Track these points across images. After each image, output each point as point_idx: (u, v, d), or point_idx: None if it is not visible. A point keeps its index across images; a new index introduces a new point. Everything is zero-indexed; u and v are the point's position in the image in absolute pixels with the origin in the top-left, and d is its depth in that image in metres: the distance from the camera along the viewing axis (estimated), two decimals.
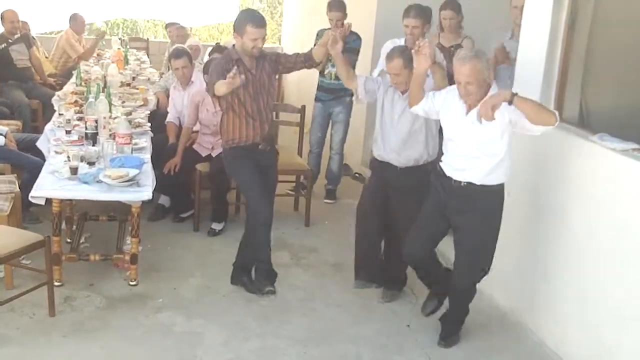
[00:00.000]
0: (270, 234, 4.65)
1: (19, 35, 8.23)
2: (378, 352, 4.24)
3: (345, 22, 6.21)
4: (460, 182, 3.96)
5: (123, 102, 6.64)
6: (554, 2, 4.34)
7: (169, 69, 7.35)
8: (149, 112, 6.51)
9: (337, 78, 6.53)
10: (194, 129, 6.14)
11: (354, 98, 4.90)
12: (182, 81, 6.36)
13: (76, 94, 6.88)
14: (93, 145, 5.12)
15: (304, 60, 4.60)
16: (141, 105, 6.63)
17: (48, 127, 5.85)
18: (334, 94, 6.66)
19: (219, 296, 4.79)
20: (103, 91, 6.07)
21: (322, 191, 6.99)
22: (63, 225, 5.22)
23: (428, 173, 4.31)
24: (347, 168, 7.68)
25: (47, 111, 7.39)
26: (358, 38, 6.43)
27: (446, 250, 4.82)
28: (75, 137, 5.38)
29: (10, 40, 8.09)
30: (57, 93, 7.19)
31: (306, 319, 4.57)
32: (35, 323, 4.26)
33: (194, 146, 6.10)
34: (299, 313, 4.63)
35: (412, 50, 4.10)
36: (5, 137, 5.62)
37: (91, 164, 4.78)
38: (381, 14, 7.33)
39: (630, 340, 3.68)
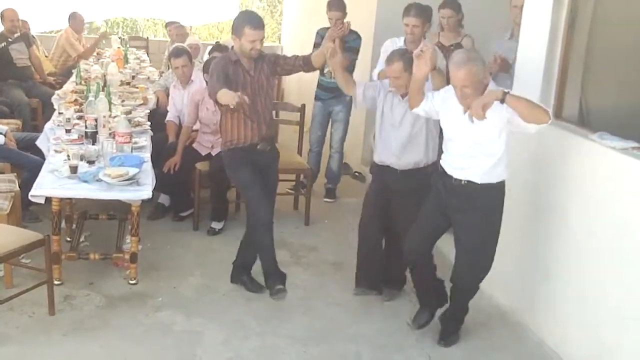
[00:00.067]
0: (273, 235, 4.61)
1: (18, 34, 8.23)
2: (378, 351, 4.24)
3: (345, 21, 6.22)
4: (460, 180, 3.95)
5: (123, 101, 6.64)
6: (553, 1, 4.34)
7: (168, 68, 7.35)
8: (149, 111, 6.51)
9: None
10: (194, 127, 6.14)
11: (352, 106, 4.89)
12: (182, 80, 6.36)
13: (76, 92, 6.88)
14: (93, 144, 5.12)
15: (303, 65, 4.59)
16: (141, 104, 6.63)
17: (48, 126, 5.85)
18: (333, 93, 6.66)
19: (218, 295, 4.79)
20: (103, 90, 6.06)
21: (322, 190, 6.99)
22: (63, 224, 5.21)
23: (428, 176, 4.31)
24: (347, 167, 7.68)
25: (47, 110, 7.39)
26: (358, 37, 6.43)
27: (445, 247, 4.82)
28: (75, 136, 5.38)
29: (10, 39, 8.09)
30: (56, 92, 7.19)
31: (306, 317, 4.57)
32: (35, 322, 4.26)
33: (194, 145, 6.10)
34: (299, 312, 4.63)
35: (414, 53, 4.09)
36: (5, 136, 5.62)
37: (91, 162, 4.78)
38: (381, 13, 7.33)
39: (630, 340, 3.67)
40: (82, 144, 5.16)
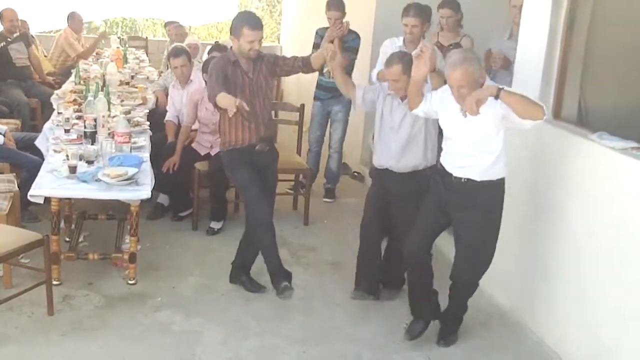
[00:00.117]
0: (274, 234, 4.58)
1: (18, 34, 8.23)
2: (377, 351, 4.24)
3: (344, 20, 6.23)
4: (460, 178, 3.95)
5: (122, 100, 6.64)
6: (552, 1, 4.35)
7: (167, 68, 7.35)
8: (148, 110, 6.50)
9: None
10: (193, 127, 6.14)
11: (352, 107, 4.89)
12: (181, 80, 6.36)
13: (75, 92, 6.87)
14: (92, 144, 5.11)
15: (302, 66, 4.57)
16: (140, 104, 6.63)
17: (47, 125, 5.84)
18: (332, 93, 6.64)
19: (217, 295, 4.79)
20: (102, 90, 6.06)
21: (321, 190, 6.99)
22: (62, 224, 5.21)
23: (427, 178, 4.30)
24: (346, 167, 7.68)
25: (46, 110, 7.39)
26: (357, 37, 6.43)
27: (445, 247, 4.82)
28: (74, 136, 5.38)
29: (9, 39, 8.09)
30: (56, 92, 7.18)
31: (305, 317, 4.57)
32: (33, 322, 4.26)
33: (193, 145, 6.10)
34: (298, 312, 4.62)
35: (413, 53, 4.09)
36: (4, 135, 5.62)
37: (90, 162, 4.78)
38: (380, 13, 7.33)
39: (630, 339, 3.67)
40: (81, 143, 5.16)
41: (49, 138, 5.45)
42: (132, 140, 5.21)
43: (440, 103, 4.02)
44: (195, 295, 4.76)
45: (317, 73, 6.63)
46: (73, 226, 5.46)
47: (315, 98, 6.85)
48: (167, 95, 6.75)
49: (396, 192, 4.53)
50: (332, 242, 5.83)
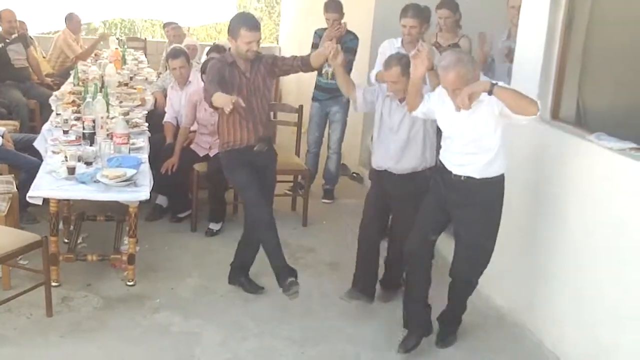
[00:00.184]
0: (277, 233, 4.52)
1: (16, 35, 8.24)
2: (376, 352, 4.24)
3: (342, 21, 6.23)
4: (460, 176, 3.95)
5: (120, 102, 6.63)
6: (551, 1, 4.35)
7: (166, 69, 7.34)
8: (147, 112, 6.50)
9: (334, 78, 6.49)
10: (192, 128, 6.14)
11: (352, 107, 4.88)
12: (180, 81, 6.36)
13: (74, 93, 6.86)
14: (90, 145, 5.11)
15: (301, 65, 4.56)
16: (139, 105, 6.63)
17: (45, 127, 5.84)
18: (331, 94, 6.66)
19: (216, 296, 4.79)
20: (100, 91, 6.06)
21: (320, 191, 6.99)
22: (60, 226, 5.19)
23: (427, 179, 4.30)
24: (345, 168, 7.68)
25: (45, 111, 7.40)
26: (355, 38, 6.43)
27: (444, 249, 4.82)
28: (72, 137, 5.37)
29: (7, 40, 8.09)
30: (54, 93, 7.18)
31: (304, 319, 4.57)
32: (32, 323, 4.26)
33: (192, 146, 6.10)
34: (297, 313, 4.62)
35: (410, 54, 4.09)
36: (2, 137, 5.62)
37: (88, 164, 4.78)
38: (379, 14, 7.34)
39: (627, 339, 3.68)
40: (80, 145, 5.15)
41: (48, 139, 5.45)
42: (131, 141, 5.21)
43: (437, 102, 4.01)
44: (194, 297, 4.76)
45: (315, 74, 6.67)
46: (72, 227, 5.46)
47: (314, 99, 6.85)
48: (165, 96, 6.75)
49: (395, 194, 4.53)
50: (330, 243, 5.83)
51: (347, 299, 4.70)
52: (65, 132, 5.48)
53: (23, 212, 5.35)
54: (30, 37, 8.88)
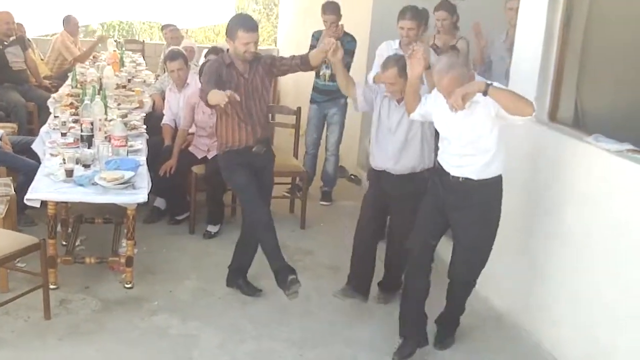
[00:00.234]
0: (275, 234, 4.51)
1: (14, 37, 8.22)
2: (374, 354, 4.24)
3: (339, 23, 6.24)
4: (458, 177, 3.94)
5: (119, 104, 6.64)
6: (549, 1, 4.35)
7: (164, 71, 7.35)
8: (145, 114, 6.50)
9: (331, 80, 6.55)
10: (190, 131, 6.14)
11: (352, 107, 4.88)
12: (178, 83, 6.36)
13: (72, 96, 6.87)
14: (88, 148, 5.10)
15: (300, 64, 4.56)
16: (137, 108, 6.63)
17: (43, 129, 5.84)
18: (328, 96, 6.66)
19: (214, 298, 4.79)
20: (98, 93, 6.05)
21: (318, 193, 6.99)
22: (58, 228, 5.18)
23: (425, 180, 4.30)
24: (343, 170, 7.68)
25: (43, 114, 7.39)
26: (353, 40, 6.44)
27: (444, 253, 4.81)
28: (70, 140, 5.37)
29: (5, 43, 8.07)
30: (52, 95, 7.18)
31: (302, 321, 4.57)
32: (30, 326, 4.25)
33: (190, 148, 6.10)
34: (295, 315, 4.62)
35: (406, 55, 4.09)
36: (0, 139, 5.61)
37: (86, 166, 4.77)
38: (377, 16, 7.34)
39: (625, 339, 3.68)
40: (78, 147, 5.15)
41: (46, 142, 5.44)
42: (129, 143, 5.20)
43: (434, 104, 4.01)
44: (192, 299, 4.76)
45: (313, 75, 6.67)
46: (70, 230, 5.45)
47: (312, 101, 6.86)
48: (164, 98, 6.76)
49: (394, 194, 4.53)
50: (329, 245, 5.83)
51: (341, 297, 4.70)
52: (63, 135, 5.48)
53: (21, 215, 5.35)
54: (28, 40, 8.86)
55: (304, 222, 6.24)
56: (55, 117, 6.02)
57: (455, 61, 3.77)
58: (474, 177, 3.90)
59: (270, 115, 6.35)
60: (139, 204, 4.59)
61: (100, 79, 7.36)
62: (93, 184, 4.50)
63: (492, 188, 3.96)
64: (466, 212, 3.98)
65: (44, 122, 6.36)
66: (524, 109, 3.59)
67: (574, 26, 4.39)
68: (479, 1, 6.41)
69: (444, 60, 3.80)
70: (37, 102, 7.91)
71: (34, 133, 6.84)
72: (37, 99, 7.96)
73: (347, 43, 6.36)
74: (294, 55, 4.63)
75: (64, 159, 4.72)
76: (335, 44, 4.31)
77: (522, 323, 4.56)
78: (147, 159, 5.17)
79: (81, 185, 4.50)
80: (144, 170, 4.84)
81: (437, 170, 4.10)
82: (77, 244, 5.27)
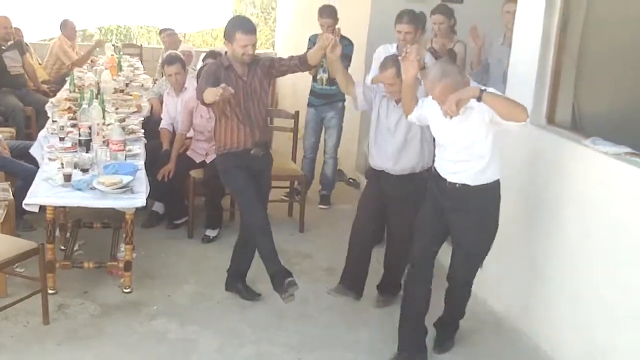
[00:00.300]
0: (272, 238, 4.50)
1: (12, 42, 8.22)
2: (374, 357, 4.24)
3: (336, 27, 6.23)
4: (455, 183, 3.93)
5: (116, 108, 6.63)
6: (546, 4, 4.36)
7: (162, 75, 7.35)
8: (143, 118, 6.50)
9: (328, 83, 6.55)
10: (188, 135, 6.14)
11: (352, 106, 4.87)
12: (176, 87, 6.36)
13: (70, 100, 6.86)
14: (87, 152, 5.11)
15: (299, 64, 4.55)
16: (135, 112, 6.62)
17: (41, 134, 5.84)
18: (326, 99, 6.67)
19: (213, 303, 4.79)
20: (96, 98, 6.06)
21: (316, 197, 6.99)
22: (57, 233, 5.17)
23: (425, 180, 4.29)
24: (341, 173, 7.68)
25: (41, 118, 7.38)
26: (350, 44, 6.43)
27: (444, 259, 4.81)
28: (68, 144, 5.37)
29: (3, 47, 8.07)
30: (50, 100, 7.19)
31: (301, 325, 4.57)
32: (29, 331, 4.25)
33: (188, 152, 6.10)
34: (294, 319, 4.62)
35: (399, 58, 4.09)
36: None
37: (85, 170, 4.78)
38: (374, 19, 7.34)
39: (624, 340, 3.69)
40: (76, 151, 5.15)
41: (44, 146, 5.45)
42: (127, 148, 5.20)
43: (429, 109, 4.00)
44: (190, 303, 4.76)
45: (311, 79, 6.67)
46: (68, 235, 5.45)
47: (309, 105, 6.86)
48: (161, 102, 6.75)
49: (393, 195, 4.52)
50: (327, 248, 5.83)
51: (335, 294, 4.70)
52: (62, 139, 5.48)
53: (19, 220, 5.35)
54: (26, 44, 8.86)
55: (303, 226, 6.24)
56: (53, 121, 6.01)
57: (448, 69, 3.74)
58: (471, 182, 3.90)
59: (268, 118, 6.35)
60: (137, 209, 4.60)
61: (98, 83, 7.36)
62: (91, 188, 4.50)
63: (489, 193, 3.96)
64: (464, 217, 3.98)
65: (42, 126, 6.36)
66: (518, 114, 3.57)
67: (571, 30, 4.40)
68: (476, 5, 6.44)
69: (436, 67, 3.78)
70: (35, 106, 7.91)
71: (32, 137, 6.83)
72: (35, 103, 7.96)
73: (345, 47, 6.29)
74: (292, 56, 4.61)
75: (62, 164, 4.73)
76: (333, 40, 4.29)
77: (521, 326, 4.56)
78: (145, 163, 5.17)
79: (79, 189, 4.50)
80: (142, 174, 4.84)
81: (434, 177, 4.10)
82: (75, 248, 5.27)
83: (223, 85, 4.11)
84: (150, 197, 4.94)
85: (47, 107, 6.83)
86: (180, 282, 5.03)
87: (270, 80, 4.69)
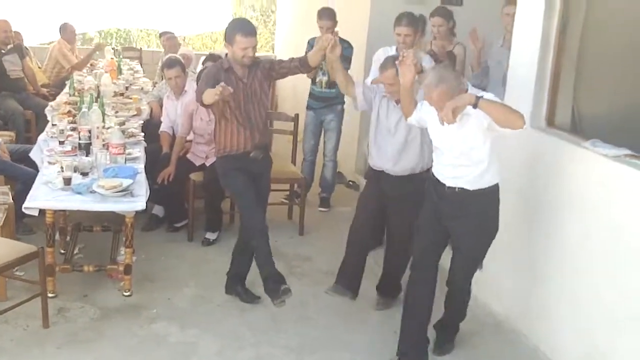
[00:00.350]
0: (268, 243, 4.50)
1: (11, 45, 8.23)
2: (373, 359, 4.24)
3: (335, 29, 6.23)
4: (454, 188, 3.93)
5: (116, 112, 6.64)
6: (545, 6, 4.36)
7: (162, 79, 7.35)
8: (143, 121, 6.51)
9: (327, 86, 6.56)
10: (188, 138, 6.14)
11: (352, 108, 4.88)
12: (175, 91, 6.36)
13: (69, 104, 6.86)
14: (86, 156, 5.11)
15: (299, 65, 4.54)
16: (134, 115, 6.63)
17: (41, 137, 5.84)
18: (325, 102, 6.68)
19: (213, 306, 4.78)
20: (96, 101, 6.07)
21: (316, 199, 6.99)
22: (57, 236, 5.18)
23: (424, 181, 4.28)
24: (341, 176, 7.68)
25: (41, 122, 7.38)
26: (349, 46, 6.43)
27: (444, 263, 4.82)
28: (68, 148, 5.37)
29: (3, 51, 8.08)
30: (50, 103, 7.19)
31: (301, 327, 4.57)
32: (29, 334, 4.25)
33: (188, 155, 6.10)
34: (294, 322, 4.62)
35: (396, 62, 4.09)
36: None
37: (85, 174, 4.77)
38: (374, 22, 7.35)
39: (623, 342, 3.69)
40: (76, 155, 5.15)
41: (44, 150, 5.45)
42: (127, 151, 5.21)
43: (428, 113, 3.98)
44: (190, 306, 4.76)
45: (310, 82, 6.68)
46: (68, 238, 5.45)
47: (308, 107, 6.87)
48: (161, 106, 6.76)
49: (393, 195, 4.52)
50: (327, 251, 5.82)
51: (332, 294, 4.70)
52: (61, 143, 5.48)
53: (19, 223, 5.34)
54: (26, 48, 8.87)
55: (302, 229, 6.24)
56: (53, 125, 6.02)
57: (444, 74, 3.72)
58: (469, 187, 3.89)
59: (268, 121, 6.35)
60: (137, 212, 4.60)
61: (98, 86, 7.36)
62: (91, 191, 4.50)
63: (488, 197, 3.95)
64: (463, 221, 3.97)
65: (41, 130, 6.35)
66: (515, 121, 3.57)
67: (570, 32, 4.40)
68: (476, 7, 6.45)
69: (433, 73, 3.76)
70: (34, 110, 7.92)
71: (32, 141, 6.84)
72: (35, 107, 7.97)
73: (344, 49, 6.29)
74: (292, 58, 4.61)
75: (62, 167, 4.73)
76: (333, 40, 4.29)
77: (520, 328, 4.56)
78: (145, 166, 5.17)
79: (79, 193, 4.50)
80: (142, 177, 4.84)
81: (432, 181, 4.08)
82: (75, 252, 5.27)
83: (222, 84, 4.11)
84: (150, 201, 4.94)
85: (47, 110, 6.83)
86: (180, 285, 5.03)
87: (270, 83, 4.69)
